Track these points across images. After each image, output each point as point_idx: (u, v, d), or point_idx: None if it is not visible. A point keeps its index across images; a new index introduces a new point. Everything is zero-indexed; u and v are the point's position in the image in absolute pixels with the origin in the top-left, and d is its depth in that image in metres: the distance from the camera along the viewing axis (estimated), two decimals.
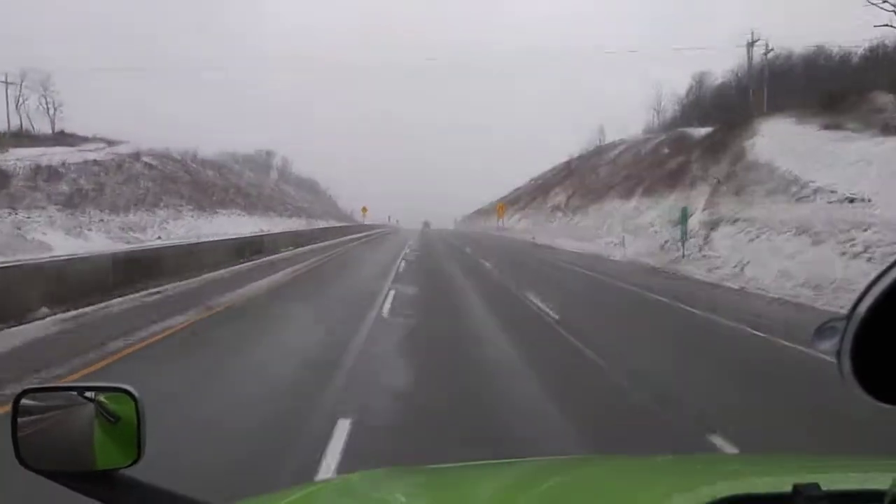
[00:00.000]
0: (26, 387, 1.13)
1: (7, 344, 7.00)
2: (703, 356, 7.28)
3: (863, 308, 0.59)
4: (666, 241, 22.90)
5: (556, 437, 4.24)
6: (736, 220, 19.08)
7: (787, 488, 0.87)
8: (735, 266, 16.01)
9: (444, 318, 9.49)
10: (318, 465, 3.53)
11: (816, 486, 0.87)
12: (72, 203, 31.28)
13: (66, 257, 12.20)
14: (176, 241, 21.92)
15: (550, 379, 5.91)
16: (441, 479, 1.46)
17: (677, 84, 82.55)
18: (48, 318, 8.46)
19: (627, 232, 27.42)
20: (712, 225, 20.51)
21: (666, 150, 39.24)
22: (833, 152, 20.56)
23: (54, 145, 39.06)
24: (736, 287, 13.64)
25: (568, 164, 61.02)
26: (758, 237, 17.06)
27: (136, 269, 11.97)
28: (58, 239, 26.48)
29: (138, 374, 5.65)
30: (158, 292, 11.42)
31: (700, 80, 53.78)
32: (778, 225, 16.64)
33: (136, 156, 41.37)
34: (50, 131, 47.93)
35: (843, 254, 13.60)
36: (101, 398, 1.08)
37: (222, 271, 15.28)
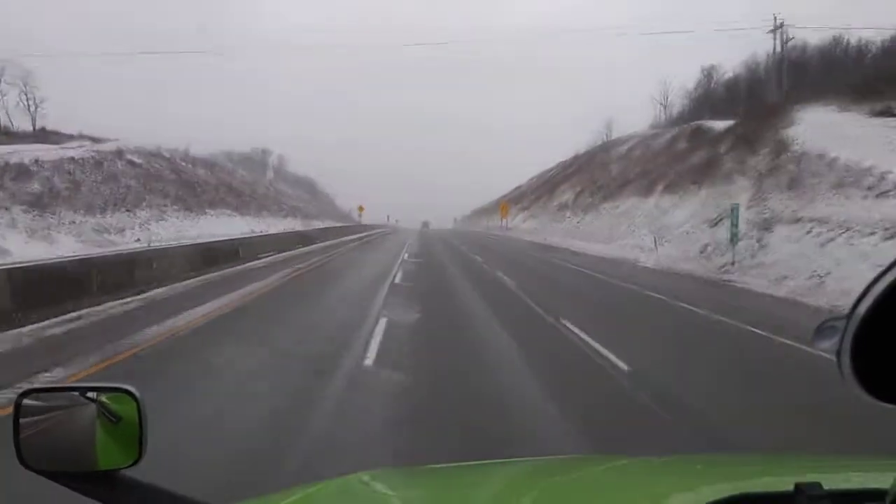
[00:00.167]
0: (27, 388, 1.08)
1: None
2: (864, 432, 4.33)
3: (863, 308, 0.57)
4: (706, 245, 19.87)
5: None
6: (798, 220, 16.06)
7: (789, 488, 0.86)
8: (810, 277, 13.00)
9: (466, 392, 5.41)
10: None
11: (818, 485, 0.86)
12: (40, 203, 28.50)
13: None
14: (116, 250, 19.08)
15: None
16: (440, 479, 1.46)
17: (685, 78, 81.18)
18: None
19: (656, 234, 24.41)
20: (765, 225, 17.50)
21: (684, 144, 37.13)
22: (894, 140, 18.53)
23: (34, 143, 36.41)
24: (826, 305, 10.61)
25: (575, 159, 58.50)
26: (832, 240, 14.02)
27: (48, 286, 9.02)
28: (18, 243, 23.84)
29: None
30: (69, 320, 8.52)
31: (709, 73, 53.14)
32: (860, 225, 13.61)
33: (119, 153, 38.67)
34: (31, 129, 45.08)
35: None
36: (103, 398, 1.07)
37: (178, 285, 12.40)
